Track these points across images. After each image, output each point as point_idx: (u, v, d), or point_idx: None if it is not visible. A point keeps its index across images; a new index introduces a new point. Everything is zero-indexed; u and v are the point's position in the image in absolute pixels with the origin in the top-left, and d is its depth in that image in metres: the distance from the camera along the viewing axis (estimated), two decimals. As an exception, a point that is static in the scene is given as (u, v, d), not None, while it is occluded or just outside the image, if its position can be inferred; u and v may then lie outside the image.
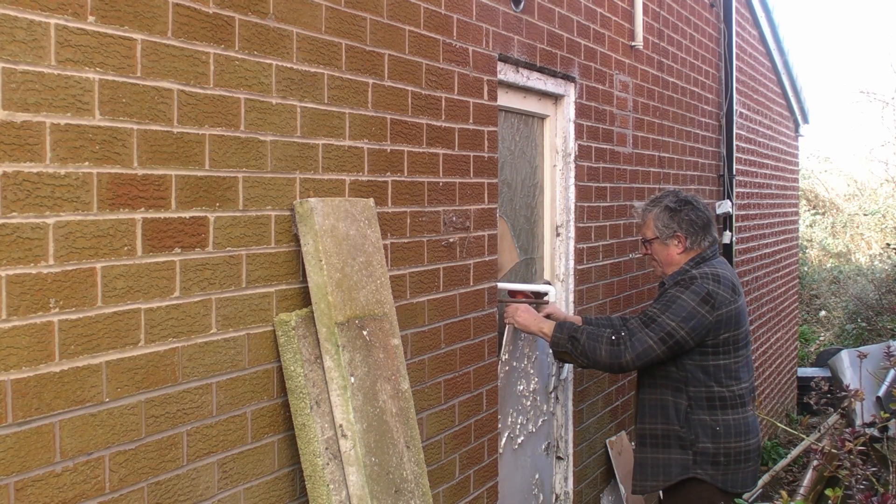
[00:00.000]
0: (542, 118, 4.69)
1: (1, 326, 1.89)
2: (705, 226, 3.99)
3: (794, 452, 8.39)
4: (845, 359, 7.27)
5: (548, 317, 4.12)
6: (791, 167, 11.77)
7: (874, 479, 2.82)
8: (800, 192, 13.91)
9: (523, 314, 4.01)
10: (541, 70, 4.39)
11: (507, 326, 4.09)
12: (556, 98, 4.69)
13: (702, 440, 3.85)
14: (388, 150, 3.15)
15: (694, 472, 3.86)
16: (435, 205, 3.44)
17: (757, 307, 8.85)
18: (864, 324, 11.34)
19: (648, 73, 5.80)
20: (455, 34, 3.57)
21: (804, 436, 3.82)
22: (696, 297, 3.78)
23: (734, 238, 7.63)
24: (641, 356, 3.77)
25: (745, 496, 4.06)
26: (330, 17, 2.85)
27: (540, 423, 4.61)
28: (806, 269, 15.07)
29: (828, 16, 48.10)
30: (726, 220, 7.45)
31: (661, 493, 4.06)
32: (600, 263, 5.10)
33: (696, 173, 6.88)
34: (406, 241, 3.25)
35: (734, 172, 7.65)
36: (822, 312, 12.99)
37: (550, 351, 4.11)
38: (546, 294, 4.32)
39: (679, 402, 3.89)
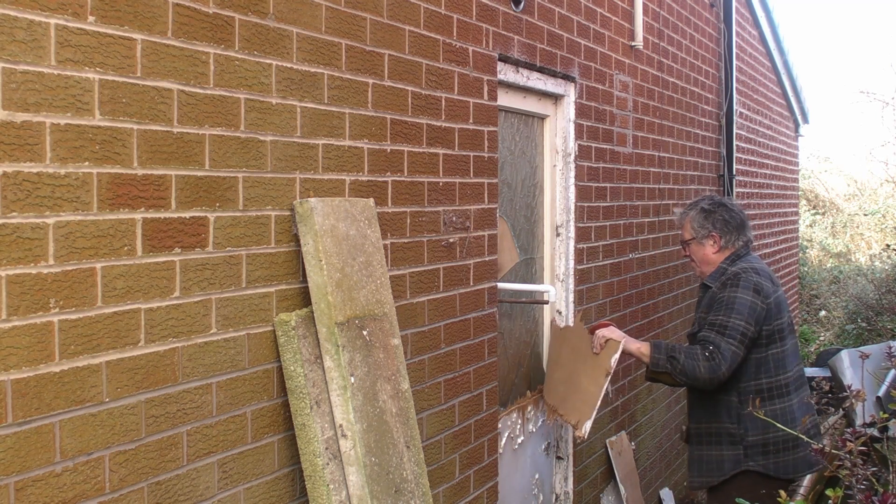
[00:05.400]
0: (542, 118, 4.69)
1: (1, 326, 1.89)
2: (739, 226, 4.19)
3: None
4: (845, 359, 7.27)
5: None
6: (791, 167, 11.77)
7: (874, 479, 2.82)
8: (800, 192, 13.90)
9: (618, 331, 4.09)
10: (541, 70, 4.39)
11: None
12: (556, 98, 4.69)
13: (751, 433, 3.97)
14: (388, 150, 3.15)
15: (746, 464, 4.00)
16: (435, 205, 3.44)
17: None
18: (864, 324, 11.33)
19: (648, 73, 5.80)
20: (455, 34, 3.57)
21: (804, 436, 3.81)
22: (749, 290, 3.95)
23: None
24: (732, 364, 3.90)
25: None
26: (330, 17, 2.85)
27: (540, 423, 4.61)
28: (806, 269, 15.06)
29: (828, 16, 48.10)
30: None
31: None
32: (600, 263, 5.10)
33: (696, 173, 6.88)
34: (406, 241, 3.25)
35: (734, 172, 7.66)
36: (822, 312, 12.98)
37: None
38: (546, 293, 4.33)
39: (730, 399, 4.01)
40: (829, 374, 7.44)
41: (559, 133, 4.74)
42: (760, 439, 3.96)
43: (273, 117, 2.62)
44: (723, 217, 4.17)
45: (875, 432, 3.83)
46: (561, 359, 4.28)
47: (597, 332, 4.05)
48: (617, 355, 3.94)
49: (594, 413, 3.91)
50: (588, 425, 3.90)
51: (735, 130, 7.74)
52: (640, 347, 4.02)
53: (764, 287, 3.99)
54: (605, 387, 3.91)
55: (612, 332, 4.04)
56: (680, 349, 3.95)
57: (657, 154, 5.99)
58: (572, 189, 4.76)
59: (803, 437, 3.69)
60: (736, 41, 7.91)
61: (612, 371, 3.93)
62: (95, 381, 2.09)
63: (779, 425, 3.70)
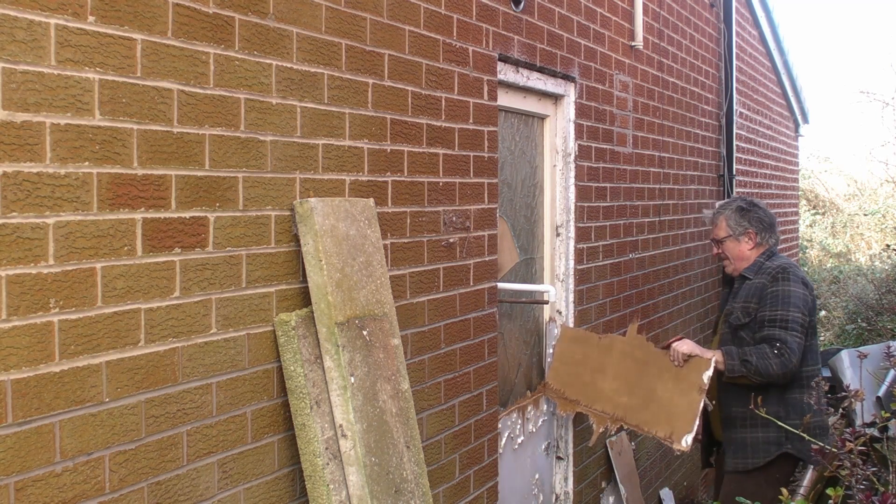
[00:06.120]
0: (542, 118, 4.69)
1: (1, 326, 1.89)
2: (772, 224, 4.47)
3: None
4: (845, 359, 7.26)
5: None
6: (791, 167, 11.77)
7: (874, 479, 2.82)
8: (800, 192, 13.89)
9: (695, 344, 4.15)
10: (541, 70, 4.39)
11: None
12: (556, 98, 4.69)
13: (792, 417, 4.12)
14: (388, 150, 3.15)
15: (785, 447, 4.18)
16: (435, 205, 3.44)
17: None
18: (864, 324, 11.31)
19: (648, 73, 5.80)
20: (455, 34, 3.57)
21: (804, 435, 3.82)
22: (799, 283, 4.22)
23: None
24: (799, 355, 4.09)
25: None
26: (330, 17, 2.85)
27: (540, 423, 4.61)
28: (806, 269, 15.06)
29: (828, 16, 48.08)
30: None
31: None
32: (600, 263, 5.10)
33: (696, 173, 6.88)
34: (406, 241, 3.25)
35: (734, 172, 7.65)
36: (822, 312, 12.98)
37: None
38: (546, 293, 4.33)
39: (776, 384, 4.15)
40: (828, 374, 7.43)
41: (559, 133, 4.74)
42: (800, 424, 4.06)
43: (273, 117, 2.62)
44: (758, 216, 4.43)
45: (875, 432, 3.84)
46: (608, 368, 4.28)
47: (673, 346, 4.09)
48: (710, 373, 3.99)
49: (695, 427, 3.95)
50: (689, 439, 3.95)
51: (735, 130, 7.73)
52: (716, 357, 4.10)
53: (808, 281, 4.28)
54: (701, 402, 3.97)
55: (691, 347, 4.09)
56: (751, 352, 4.09)
57: (657, 154, 5.99)
58: (572, 189, 4.76)
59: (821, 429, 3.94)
60: (736, 41, 7.91)
61: (706, 388, 3.98)
62: (95, 381, 2.09)
63: (781, 423, 3.81)
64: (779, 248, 4.75)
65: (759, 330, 4.15)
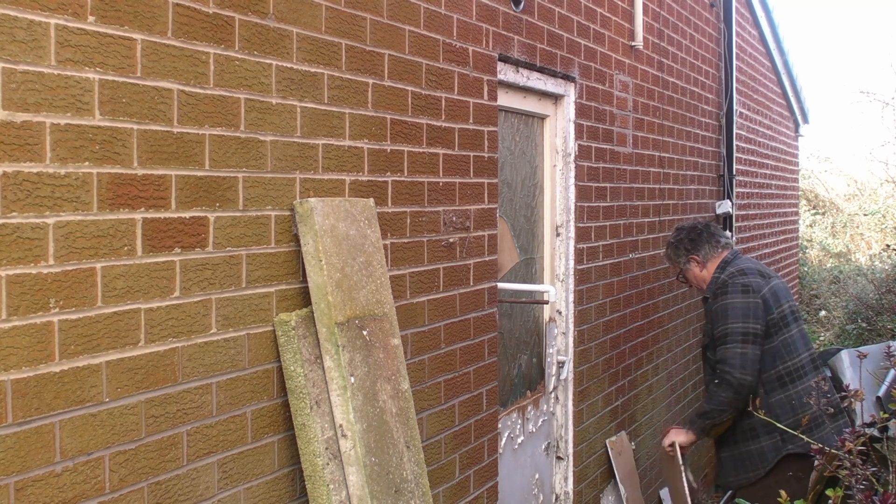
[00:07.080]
0: (542, 118, 4.69)
1: (1, 326, 1.89)
2: (709, 236, 4.57)
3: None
4: (845, 359, 7.26)
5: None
6: (791, 167, 11.78)
7: (874, 479, 2.82)
8: (800, 192, 13.90)
9: (674, 430, 4.40)
10: (541, 70, 4.39)
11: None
12: (556, 98, 4.69)
13: (783, 418, 4.14)
14: (388, 150, 3.15)
15: (786, 449, 4.22)
16: (435, 205, 3.44)
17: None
18: (864, 324, 11.31)
19: (648, 73, 5.80)
20: (455, 34, 3.57)
21: (804, 436, 3.82)
22: (738, 293, 4.29)
23: (734, 238, 7.63)
24: (743, 366, 4.15)
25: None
26: (330, 17, 2.85)
27: (540, 423, 4.61)
28: (806, 269, 15.06)
29: (828, 16, 48.07)
30: (726, 221, 7.45)
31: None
32: (600, 263, 5.10)
33: (696, 173, 6.88)
34: (406, 241, 3.25)
35: (734, 172, 7.66)
36: (822, 312, 12.97)
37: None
38: (546, 293, 4.33)
39: (756, 391, 4.21)
40: (829, 373, 7.43)
41: (559, 133, 4.74)
42: (792, 422, 4.12)
43: (273, 117, 2.62)
44: (688, 237, 4.62)
45: (875, 432, 3.84)
46: (673, 489, 4.55)
47: (663, 441, 4.38)
48: (678, 452, 4.27)
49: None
50: None
51: (735, 130, 7.74)
52: (689, 435, 4.33)
53: (752, 284, 4.29)
54: (685, 481, 4.21)
55: (668, 437, 4.36)
56: (703, 401, 4.27)
57: (657, 154, 5.99)
58: (572, 189, 4.76)
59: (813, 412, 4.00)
60: (736, 41, 7.91)
61: (682, 466, 4.23)
62: (95, 381, 2.09)
63: (774, 422, 3.84)
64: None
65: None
